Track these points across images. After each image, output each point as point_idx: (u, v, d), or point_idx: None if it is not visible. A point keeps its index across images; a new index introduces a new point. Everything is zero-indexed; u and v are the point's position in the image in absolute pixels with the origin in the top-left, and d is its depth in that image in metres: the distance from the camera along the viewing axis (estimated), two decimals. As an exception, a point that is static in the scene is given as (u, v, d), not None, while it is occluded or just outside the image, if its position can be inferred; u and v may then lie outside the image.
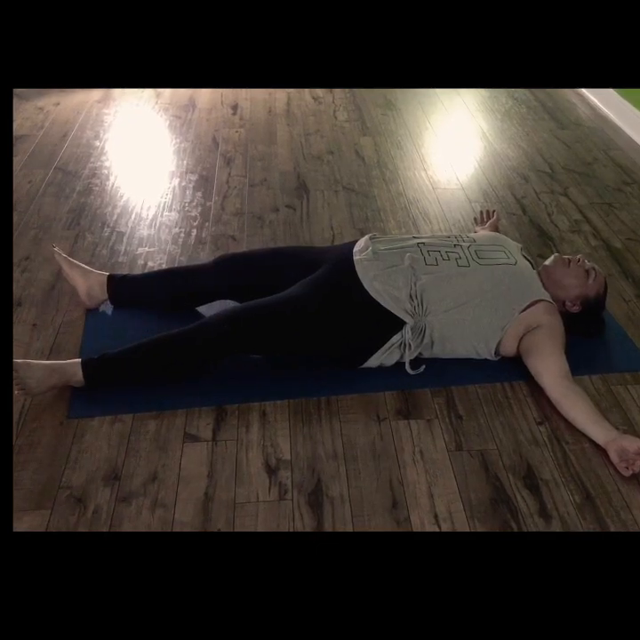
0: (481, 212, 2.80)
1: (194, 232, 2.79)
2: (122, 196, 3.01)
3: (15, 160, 3.24)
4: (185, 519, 1.68)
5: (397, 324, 2.01)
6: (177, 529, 1.66)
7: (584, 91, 4.24)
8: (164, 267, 2.57)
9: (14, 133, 3.49)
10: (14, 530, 1.64)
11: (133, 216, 2.87)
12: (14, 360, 1.87)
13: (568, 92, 4.25)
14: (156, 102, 3.94)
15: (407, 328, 2.01)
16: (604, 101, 4.03)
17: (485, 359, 2.11)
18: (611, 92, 3.95)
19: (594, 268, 2.22)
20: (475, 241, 2.19)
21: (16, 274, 2.48)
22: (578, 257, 2.25)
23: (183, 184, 3.12)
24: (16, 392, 1.88)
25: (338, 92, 4.15)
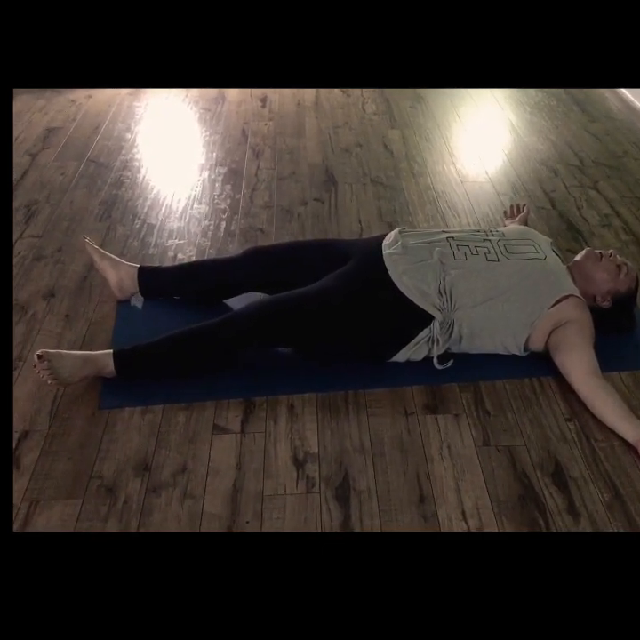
0: (511, 206, 2.79)
1: (223, 225, 2.81)
2: (152, 189, 3.03)
3: (48, 152, 3.29)
4: (214, 510, 1.70)
5: (426, 319, 2.01)
6: (205, 520, 1.68)
7: (616, 83, 4.19)
8: (193, 259, 2.59)
9: (47, 126, 3.53)
10: (47, 519, 1.67)
11: (164, 208, 2.90)
12: (47, 350, 1.90)
13: (600, 85, 4.20)
14: (186, 95, 3.96)
15: (436, 323, 2.00)
16: (635, 94, 3.97)
17: (514, 354, 2.10)
18: (643, 84, 3.90)
19: (625, 264, 2.20)
20: (504, 235, 2.18)
21: (49, 265, 2.52)
22: (610, 252, 2.23)
23: (213, 177, 3.13)
24: (49, 382, 1.92)
25: (366, 84, 4.14)
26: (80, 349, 2.12)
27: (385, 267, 2.05)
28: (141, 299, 2.34)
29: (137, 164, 3.23)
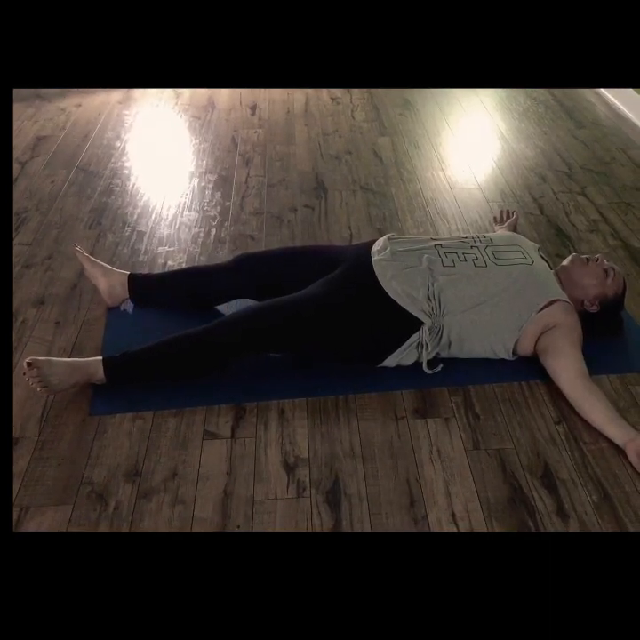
0: (500, 212, 2.81)
1: (213, 232, 2.81)
2: (142, 196, 3.04)
3: (38, 160, 3.29)
4: (204, 516, 1.70)
5: (415, 325, 2.02)
6: (196, 525, 1.68)
7: (602, 90, 4.22)
8: (183, 266, 2.60)
9: (37, 134, 3.53)
10: (38, 525, 1.67)
11: (154, 216, 2.91)
12: (37, 358, 1.90)
13: (586, 92, 4.24)
14: (176, 103, 3.97)
15: (425, 328, 2.01)
16: (622, 101, 4.01)
17: (502, 359, 2.12)
18: (629, 91, 3.93)
19: (612, 268, 2.22)
20: (492, 241, 2.19)
21: (39, 272, 2.52)
22: (596, 256, 2.25)
23: (203, 184, 3.14)
24: (38, 389, 1.91)
25: (356, 92, 4.16)
26: (70, 356, 2.12)
27: (374, 272, 2.06)
28: (131, 305, 2.34)
29: (127, 171, 3.23)
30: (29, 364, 1.88)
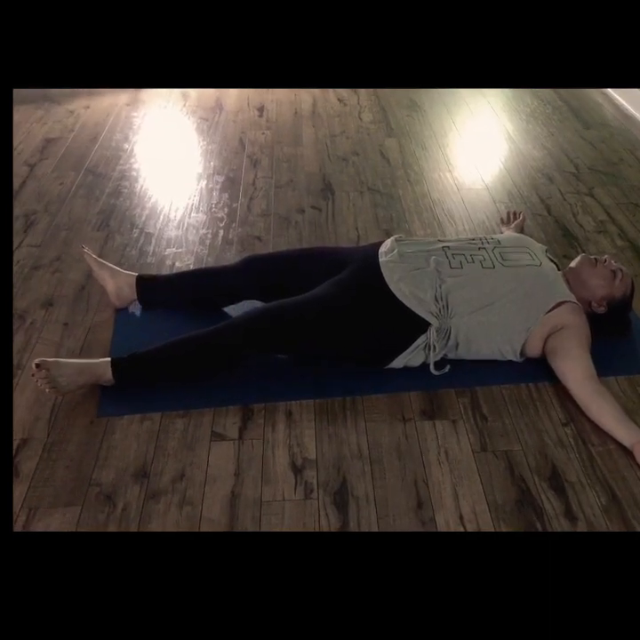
0: (508, 213, 2.81)
1: (221, 233, 2.82)
2: (150, 198, 3.05)
3: (47, 163, 3.30)
4: (212, 517, 1.71)
5: (422, 326, 2.02)
6: (204, 526, 1.68)
7: (610, 90, 4.21)
8: (191, 267, 2.60)
9: (46, 136, 3.55)
10: (46, 526, 1.68)
11: (161, 217, 2.91)
12: (45, 359, 1.91)
13: (593, 92, 4.22)
14: (184, 105, 3.98)
15: (432, 330, 2.01)
16: (630, 101, 3.99)
17: (510, 360, 2.11)
18: (637, 91, 3.92)
19: (620, 269, 2.21)
20: (499, 243, 2.19)
21: (48, 274, 2.53)
22: (604, 257, 2.24)
23: (210, 185, 3.15)
24: (47, 390, 1.92)
25: (363, 93, 4.16)
26: (78, 358, 2.12)
27: (381, 273, 2.06)
28: (139, 306, 2.35)
29: (135, 173, 3.24)
30: (38, 366, 1.89)
